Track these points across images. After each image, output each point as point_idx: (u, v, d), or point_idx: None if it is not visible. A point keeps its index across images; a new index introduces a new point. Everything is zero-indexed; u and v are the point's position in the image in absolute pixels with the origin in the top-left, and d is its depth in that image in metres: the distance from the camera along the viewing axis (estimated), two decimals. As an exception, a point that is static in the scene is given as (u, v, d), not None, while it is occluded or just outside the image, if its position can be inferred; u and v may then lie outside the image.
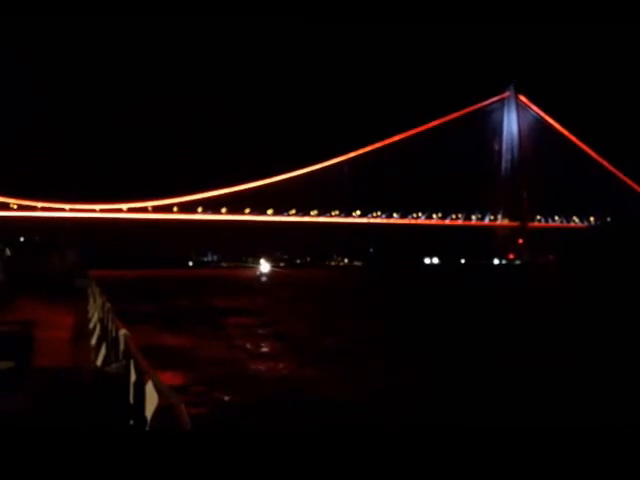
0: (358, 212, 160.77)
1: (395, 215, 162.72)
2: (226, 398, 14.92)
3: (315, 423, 11.72)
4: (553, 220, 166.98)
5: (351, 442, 3.92)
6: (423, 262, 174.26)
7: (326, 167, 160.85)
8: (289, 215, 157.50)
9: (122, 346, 7.33)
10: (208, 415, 12.88)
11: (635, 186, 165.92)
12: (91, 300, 16.74)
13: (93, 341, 10.90)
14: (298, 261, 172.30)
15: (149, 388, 5.16)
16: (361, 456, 3.67)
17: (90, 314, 14.66)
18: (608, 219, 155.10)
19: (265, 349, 23.43)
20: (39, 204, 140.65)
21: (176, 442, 3.49)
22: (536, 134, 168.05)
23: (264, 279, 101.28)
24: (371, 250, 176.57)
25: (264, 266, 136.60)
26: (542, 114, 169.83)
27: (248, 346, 23.98)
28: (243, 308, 41.37)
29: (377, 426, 11.25)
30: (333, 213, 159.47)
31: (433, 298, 53.32)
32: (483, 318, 34.55)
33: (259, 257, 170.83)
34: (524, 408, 12.77)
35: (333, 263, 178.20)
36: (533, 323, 32.31)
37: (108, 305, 10.90)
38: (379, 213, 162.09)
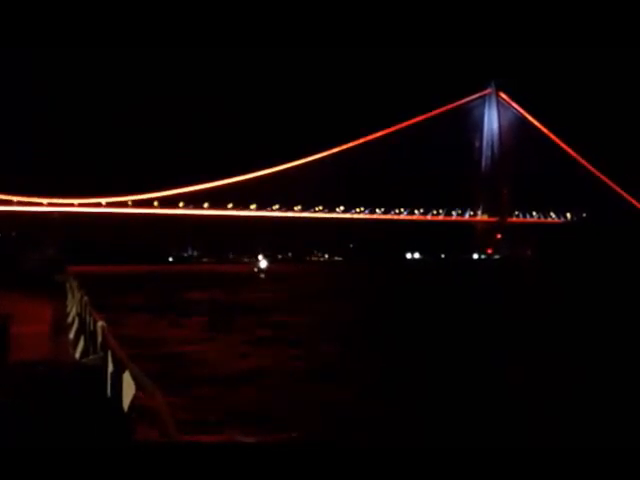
0: (342, 208, 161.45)
1: (378, 211, 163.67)
2: (218, 399, 14.59)
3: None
4: (531, 216, 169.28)
5: (342, 456, 3.76)
6: (405, 257, 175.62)
7: (309, 162, 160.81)
8: (272, 210, 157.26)
9: (100, 338, 7.38)
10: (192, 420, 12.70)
11: (610, 183, 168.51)
12: (69, 295, 16.72)
13: (71, 334, 10.92)
14: (280, 257, 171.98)
15: (126, 378, 5.23)
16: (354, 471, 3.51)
17: (69, 308, 14.65)
18: (584, 215, 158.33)
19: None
20: (15, 198, 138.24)
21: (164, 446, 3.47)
22: (516, 131, 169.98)
23: (263, 276, 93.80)
24: (351, 245, 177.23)
25: (262, 262, 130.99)
26: (522, 112, 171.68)
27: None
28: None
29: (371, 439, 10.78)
30: (317, 208, 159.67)
31: (420, 295, 52.92)
32: (469, 315, 34.46)
33: (241, 253, 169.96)
34: (521, 426, 12.02)
35: (314, 258, 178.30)
36: (509, 319, 32.65)
37: (86, 299, 10.92)
38: (362, 209, 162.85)
